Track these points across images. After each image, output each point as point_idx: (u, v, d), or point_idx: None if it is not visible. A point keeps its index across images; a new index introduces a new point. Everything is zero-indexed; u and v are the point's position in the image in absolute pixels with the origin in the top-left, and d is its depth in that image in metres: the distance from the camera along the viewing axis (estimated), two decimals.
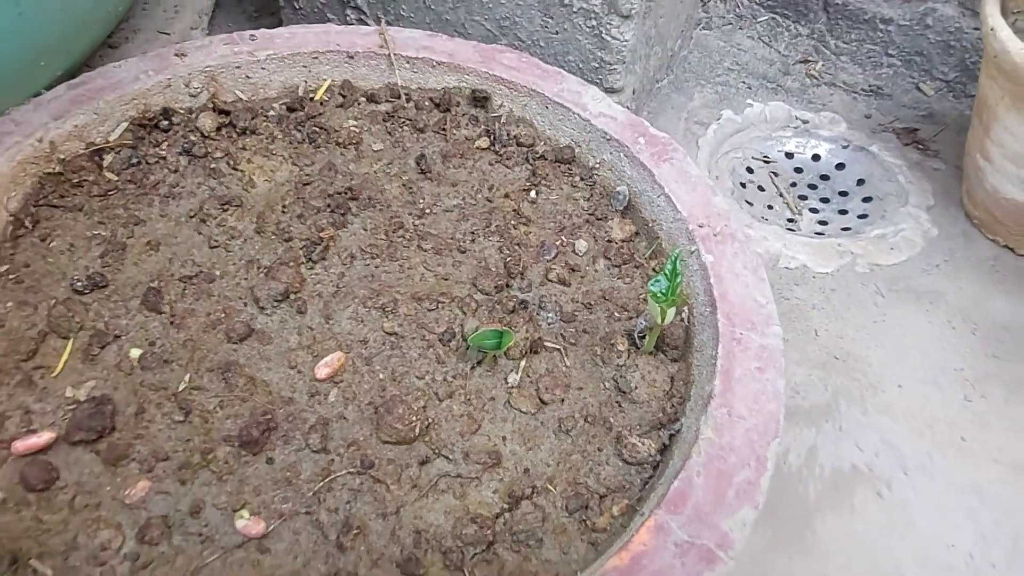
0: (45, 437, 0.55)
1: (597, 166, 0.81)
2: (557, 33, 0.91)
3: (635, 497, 0.57)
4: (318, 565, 0.52)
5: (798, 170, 1.19)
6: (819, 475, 0.79)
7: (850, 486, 0.78)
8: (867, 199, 1.13)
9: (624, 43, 0.88)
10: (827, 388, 0.87)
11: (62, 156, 0.73)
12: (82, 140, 0.75)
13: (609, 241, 0.75)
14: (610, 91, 0.92)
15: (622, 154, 0.78)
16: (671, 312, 0.60)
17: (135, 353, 0.62)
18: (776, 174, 1.18)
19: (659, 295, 0.57)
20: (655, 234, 0.75)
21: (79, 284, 0.66)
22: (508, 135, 0.84)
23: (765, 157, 1.20)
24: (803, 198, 1.15)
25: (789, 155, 1.20)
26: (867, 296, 0.97)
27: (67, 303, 0.64)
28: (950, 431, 0.83)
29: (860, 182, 1.15)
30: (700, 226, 0.70)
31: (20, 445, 0.54)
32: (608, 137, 0.79)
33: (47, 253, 0.68)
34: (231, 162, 0.78)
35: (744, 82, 1.27)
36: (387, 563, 0.53)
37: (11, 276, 0.66)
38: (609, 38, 0.88)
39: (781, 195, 1.15)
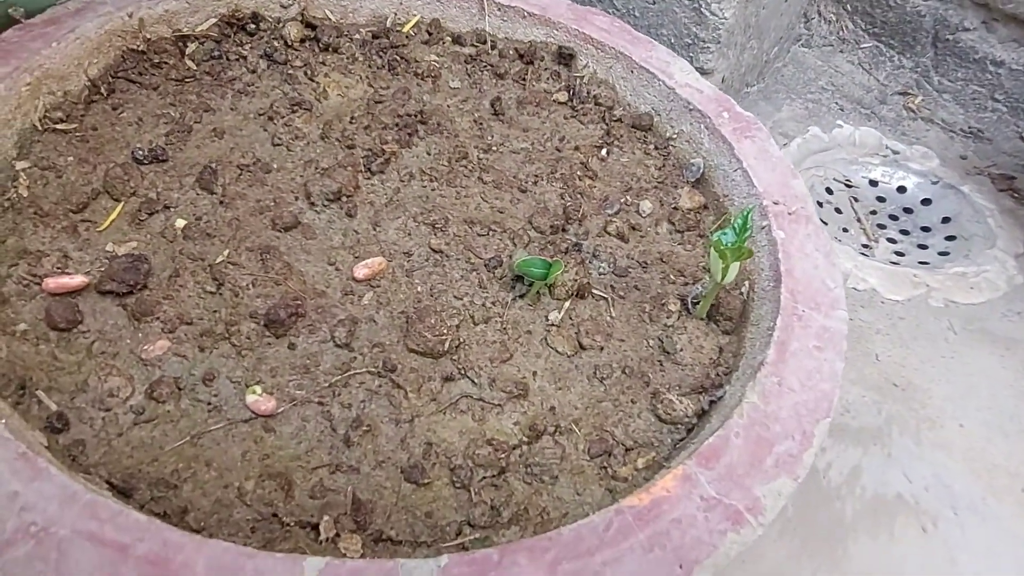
0: (77, 280, 0.54)
1: (674, 136, 0.78)
2: (654, 3, 0.89)
3: (663, 455, 0.53)
4: (321, 454, 0.50)
5: (880, 199, 1.13)
6: (859, 496, 0.73)
7: (891, 514, 0.72)
8: (950, 237, 1.06)
9: (723, 21, 0.85)
10: (880, 412, 0.81)
11: (148, 36, 0.74)
12: (170, 26, 0.76)
13: (675, 208, 0.71)
14: (700, 72, 0.88)
15: (703, 126, 0.75)
16: (733, 270, 0.56)
17: (180, 223, 0.61)
18: (856, 199, 1.12)
19: (725, 247, 0.54)
20: (725, 209, 0.71)
21: (140, 154, 0.66)
22: (588, 94, 0.81)
23: (847, 181, 1.14)
24: (881, 227, 1.09)
25: (873, 183, 1.15)
26: (938, 330, 0.91)
27: (125, 168, 0.64)
28: (1011, 480, 0.76)
29: (945, 220, 1.09)
30: (775, 203, 0.67)
31: (52, 282, 0.54)
32: (691, 107, 0.76)
33: (116, 122, 0.69)
34: (308, 72, 0.77)
35: (837, 103, 1.22)
36: (391, 467, 0.50)
37: (78, 134, 0.66)
38: (708, 13, 0.85)
39: (859, 220, 1.09)
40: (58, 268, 0.56)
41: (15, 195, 0.60)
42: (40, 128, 0.65)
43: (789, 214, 0.66)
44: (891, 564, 0.69)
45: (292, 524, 0.46)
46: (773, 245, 0.63)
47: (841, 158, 1.16)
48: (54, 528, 0.38)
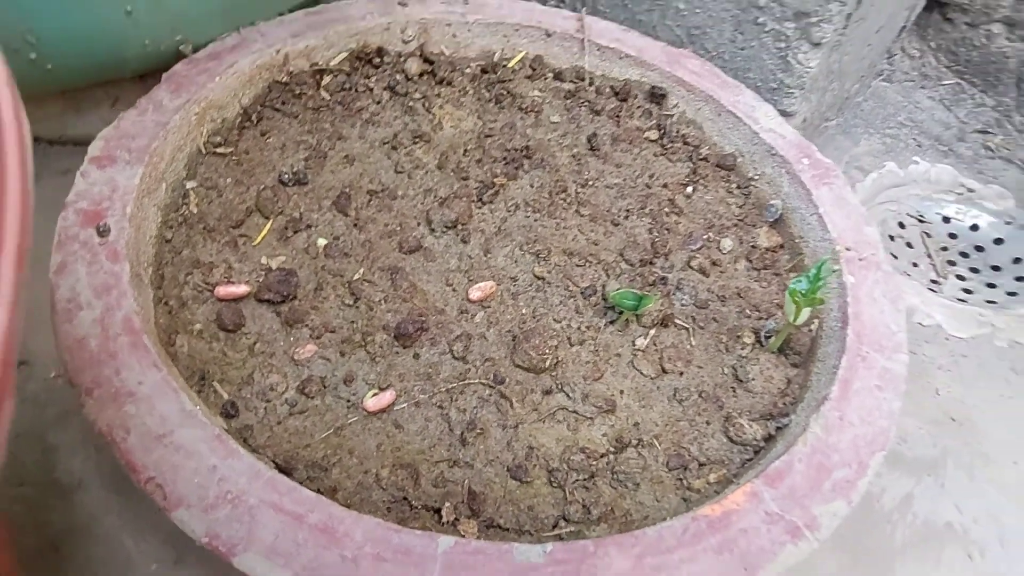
0: (242, 289, 0.65)
1: (756, 178, 0.84)
2: (743, 49, 0.95)
3: (733, 472, 0.60)
4: (441, 450, 0.59)
5: (952, 236, 1.16)
6: (910, 523, 0.79)
7: (940, 542, 0.78)
8: (1020, 278, 1.09)
9: (808, 70, 0.91)
10: (936, 445, 0.86)
11: (291, 70, 0.85)
12: (308, 60, 0.86)
13: (754, 246, 0.78)
14: (783, 114, 0.94)
15: (783, 170, 0.81)
16: (805, 313, 0.63)
17: (321, 242, 0.71)
18: (928, 235, 1.16)
19: (799, 293, 0.61)
20: (799, 250, 0.77)
21: (285, 177, 0.76)
22: (677, 132, 0.88)
23: (920, 216, 1.18)
24: (951, 263, 1.13)
25: (946, 219, 1.18)
26: (1000, 371, 0.95)
27: (273, 189, 0.74)
28: None
29: (1016, 260, 1.12)
30: (847, 249, 0.73)
31: (222, 291, 0.64)
32: (773, 152, 0.82)
33: (264, 147, 0.79)
34: (426, 105, 0.87)
35: (914, 139, 1.26)
36: (499, 465, 0.59)
37: (234, 158, 0.77)
38: (795, 63, 0.91)
39: (929, 255, 1.13)
40: (225, 278, 0.66)
41: (187, 211, 0.71)
42: (203, 151, 0.76)
43: (860, 260, 0.72)
44: None
45: (419, 507, 0.55)
46: (843, 288, 0.69)
47: (915, 194, 1.19)
48: (245, 496, 0.48)
